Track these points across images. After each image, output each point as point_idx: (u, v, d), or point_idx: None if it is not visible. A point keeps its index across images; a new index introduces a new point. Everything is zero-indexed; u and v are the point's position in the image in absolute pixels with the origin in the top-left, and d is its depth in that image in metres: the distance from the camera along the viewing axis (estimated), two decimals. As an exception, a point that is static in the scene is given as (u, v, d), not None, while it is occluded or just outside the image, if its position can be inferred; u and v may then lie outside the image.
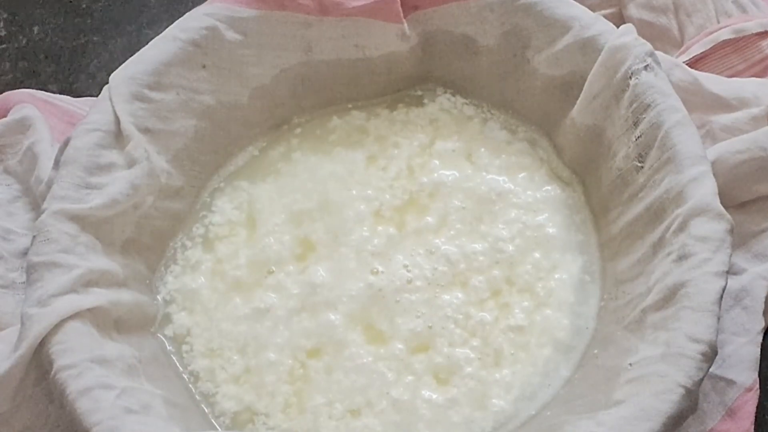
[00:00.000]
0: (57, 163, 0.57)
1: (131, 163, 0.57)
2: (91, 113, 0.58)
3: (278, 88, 0.63)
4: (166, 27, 0.61)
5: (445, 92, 0.66)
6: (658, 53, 0.59)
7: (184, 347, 0.57)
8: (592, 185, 0.60)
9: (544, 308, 0.57)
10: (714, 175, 0.53)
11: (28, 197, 0.63)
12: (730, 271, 0.52)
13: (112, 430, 0.47)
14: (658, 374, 0.48)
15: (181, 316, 0.58)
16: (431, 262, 0.58)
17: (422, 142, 0.64)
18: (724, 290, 0.50)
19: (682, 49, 0.65)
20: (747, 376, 0.55)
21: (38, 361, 0.51)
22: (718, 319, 0.49)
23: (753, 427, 0.54)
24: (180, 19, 0.61)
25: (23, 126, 0.63)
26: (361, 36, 0.63)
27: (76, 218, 0.54)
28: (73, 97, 0.68)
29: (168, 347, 0.57)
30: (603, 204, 0.59)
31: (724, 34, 0.64)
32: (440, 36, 0.64)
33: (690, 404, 0.48)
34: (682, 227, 0.52)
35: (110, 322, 0.53)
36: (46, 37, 0.73)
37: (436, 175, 0.62)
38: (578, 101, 0.59)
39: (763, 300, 0.57)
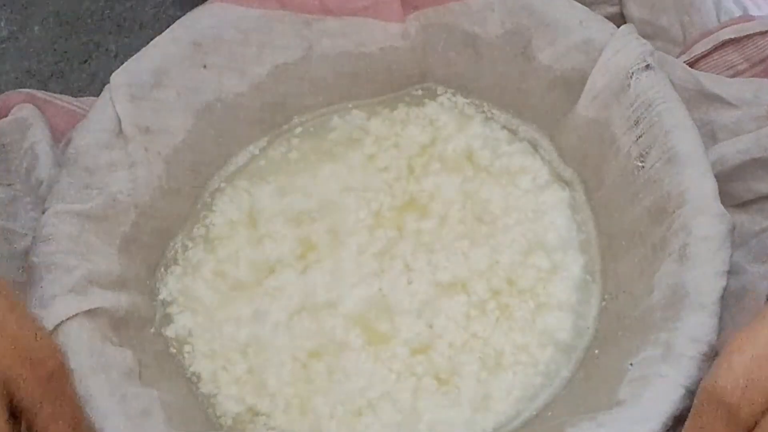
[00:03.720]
0: (58, 163, 0.57)
1: (132, 163, 0.57)
2: (91, 113, 0.58)
3: (278, 88, 0.63)
4: (167, 27, 0.61)
5: (446, 92, 0.65)
6: (659, 53, 0.59)
7: (186, 348, 0.57)
8: (593, 185, 0.60)
9: (545, 309, 0.57)
10: (715, 175, 0.53)
11: (28, 197, 0.62)
12: (731, 271, 0.52)
13: (113, 432, 0.47)
14: (659, 374, 0.48)
15: (182, 317, 0.58)
16: (432, 263, 0.58)
17: (423, 142, 0.63)
18: (725, 290, 0.50)
19: (683, 48, 0.65)
20: (747, 375, 0.55)
21: (39, 362, 0.51)
22: (719, 319, 0.49)
23: (753, 426, 0.54)
24: (181, 18, 0.61)
25: (24, 126, 0.63)
26: (361, 35, 0.63)
27: (76, 218, 0.54)
28: (74, 97, 0.68)
29: (169, 348, 0.57)
30: (604, 204, 0.59)
31: (726, 34, 0.63)
32: (441, 35, 0.63)
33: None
34: (683, 227, 0.52)
35: (111, 323, 0.53)
36: (47, 37, 0.73)
37: (436, 175, 0.62)
38: (579, 101, 0.59)
39: (764, 300, 0.57)
